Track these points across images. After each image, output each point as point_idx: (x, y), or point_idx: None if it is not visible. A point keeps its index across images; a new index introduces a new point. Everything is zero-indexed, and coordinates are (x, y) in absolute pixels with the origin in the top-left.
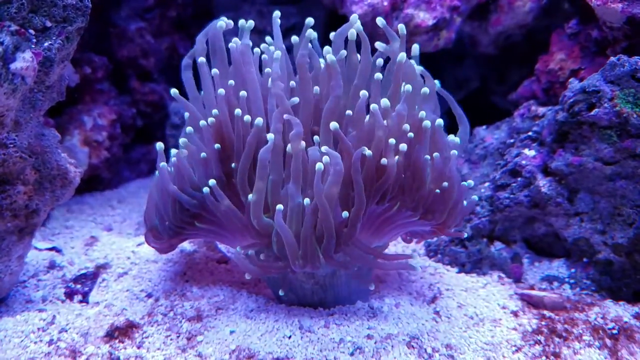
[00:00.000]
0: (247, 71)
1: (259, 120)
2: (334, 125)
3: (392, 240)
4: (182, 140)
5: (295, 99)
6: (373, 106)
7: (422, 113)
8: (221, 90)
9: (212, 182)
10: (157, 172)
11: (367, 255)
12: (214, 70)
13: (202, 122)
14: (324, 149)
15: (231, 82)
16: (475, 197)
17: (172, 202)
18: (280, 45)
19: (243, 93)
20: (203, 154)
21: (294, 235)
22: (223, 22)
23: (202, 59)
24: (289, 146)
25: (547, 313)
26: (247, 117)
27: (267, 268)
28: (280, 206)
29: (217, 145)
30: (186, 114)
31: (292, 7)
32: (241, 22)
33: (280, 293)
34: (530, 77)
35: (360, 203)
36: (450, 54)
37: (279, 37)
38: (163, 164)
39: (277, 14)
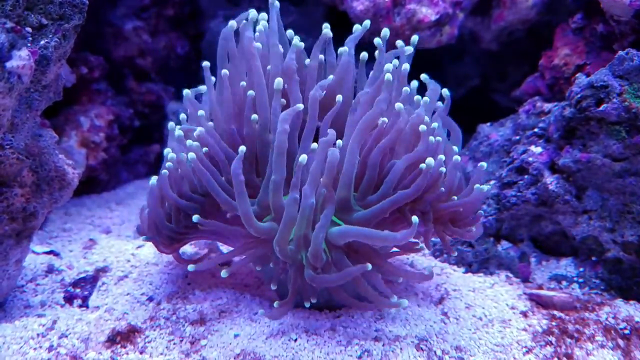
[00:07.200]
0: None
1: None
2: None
3: None
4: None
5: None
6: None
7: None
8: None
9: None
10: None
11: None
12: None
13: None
14: None
15: (243, 83)
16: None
17: (175, 210)
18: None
19: (251, 93)
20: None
21: (303, 236)
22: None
23: (206, 64)
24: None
25: (557, 313)
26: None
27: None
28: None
29: (242, 148)
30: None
31: (291, 4)
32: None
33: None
34: (533, 73)
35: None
36: (450, 50)
37: (275, 32)
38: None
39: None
